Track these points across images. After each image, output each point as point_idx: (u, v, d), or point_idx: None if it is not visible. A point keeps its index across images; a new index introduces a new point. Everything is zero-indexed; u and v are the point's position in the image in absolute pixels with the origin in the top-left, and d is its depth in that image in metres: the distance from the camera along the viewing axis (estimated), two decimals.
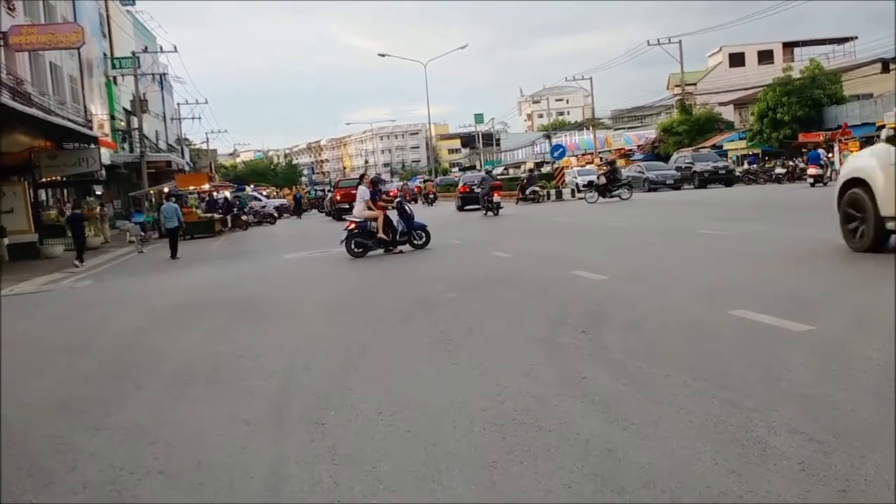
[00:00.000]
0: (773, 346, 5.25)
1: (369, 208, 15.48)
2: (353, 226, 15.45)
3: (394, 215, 15.69)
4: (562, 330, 6.42)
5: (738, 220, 16.38)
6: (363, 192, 15.81)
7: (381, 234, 15.23)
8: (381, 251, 15.38)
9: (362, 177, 17.57)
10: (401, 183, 66.24)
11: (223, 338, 7.79)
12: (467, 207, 34.57)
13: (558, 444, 3.78)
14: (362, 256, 15.12)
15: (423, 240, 15.68)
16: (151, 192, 38.07)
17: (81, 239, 21.52)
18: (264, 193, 59.81)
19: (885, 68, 34.35)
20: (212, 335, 8.03)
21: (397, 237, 15.42)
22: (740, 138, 50.73)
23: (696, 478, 3.25)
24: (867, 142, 35.20)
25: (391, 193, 21.17)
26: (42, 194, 30.59)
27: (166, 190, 33.90)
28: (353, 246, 15.29)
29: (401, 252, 15.33)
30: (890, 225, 8.98)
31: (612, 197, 30.90)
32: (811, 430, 3.66)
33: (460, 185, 37.25)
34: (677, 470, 3.34)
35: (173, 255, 20.90)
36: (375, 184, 16.75)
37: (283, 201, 55.65)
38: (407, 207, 16.03)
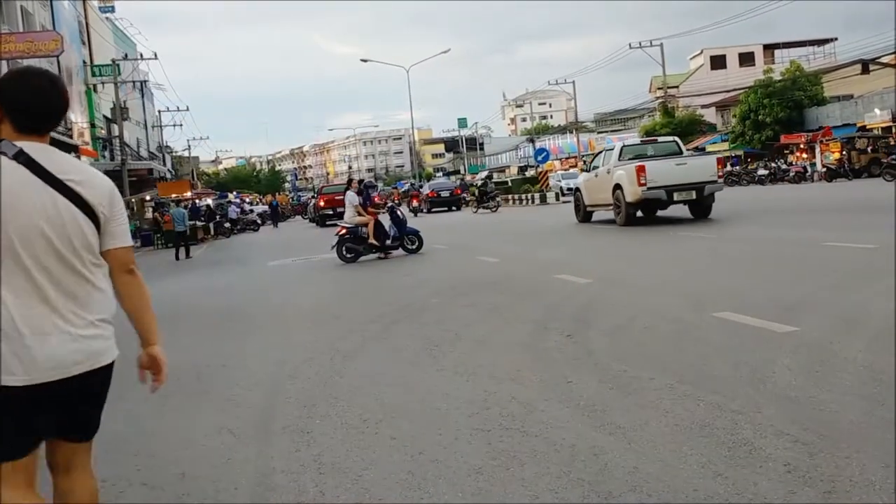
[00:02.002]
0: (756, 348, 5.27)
1: (359, 214, 15.44)
2: (344, 231, 15.42)
3: (386, 220, 15.64)
4: (547, 334, 6.42)
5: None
6: (352, 197, 15.76)
7: (371, 240, 15.19)
8: (374, 256, 15.31)
9: (349, 182, 17.48)
10: (381, 188, 65.92)
11: (207, 347, 7.73)
12: (434, 210, 41.54)
13: (544, 450, 3.77)
14: (353, 262, 15.07)
15: (416, 244, 15.61)
16: (133, 200, 37.83)
17: None
18: (247, 200, 59.24)
19: (865, 69, 34.69)
20: (195, 344, 7.96)
21: (389, 242, 15.37)
22: (723, 140, 51.08)
23: (683, 481, 3.25)
24: (848, 143, 35.64)
25: (376, 199, 21.03)
26: None
27: (189, 196, 34.22)
28: (343, 251, 15.27)
29: (392, 256, 15.24)
30: (589, 209, 19.56)
31: (484, 209, 34.08)
32: (797, 431, 3.67)
33: (428, 190, 43.80)
34: (664, 474, 3.34)
35: (187, 255, 23.31)
36: (365, 189, 16.64)
37: (265, 208, 53.01)
38: (399, 212, 15.97)
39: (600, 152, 19.72)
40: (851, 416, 3.83)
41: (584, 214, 19.97)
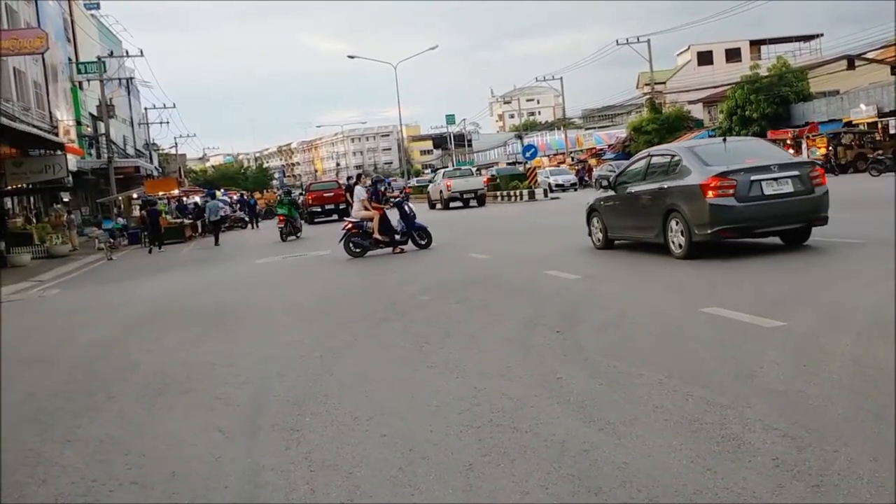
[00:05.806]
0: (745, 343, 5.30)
1: (366, 208, 15.35)
2: (350, 226, 15.36)
3: (395, 216, 15.53)
4: (537, 331, 6.43)
5: None
6: (359, 192, 15.69)
7: (376, 235, 15.10)
8: (384, 251, 15.18)
9: (359, 177, 17.39)
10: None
11: (196, 346, 7.70)
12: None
13: (535, 446, 3.78)
14: (361, 256, 15.01)
15: (426, 240, 15.49)
16: (120, 198, 37.64)
17: (159, 230, 27.35)
18: (234, 198, 58.75)
19: (851, 65, 34.80)
20: (184, 343, 7.94)
21: (396, 237, 15.26)
22: (710, 136, 51.25)
23: (673, 476, 3.27)
24: (834, 138, 35.81)
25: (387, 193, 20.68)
26: (7, 202, 30.09)
27: (176, 194, 34.02)
28: (351, 246, 15.21)
29: (403, 251, 15.11)
30: (433, 202, 39.31)
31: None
32: (785, 426, 3.70)
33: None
34: (653, 468, 3.36)
35: (216, 242, 26.22)
36: (374, 184, 16.56)
37: (223, 207, 47.26)
38: (407, 208, 15.81)
39: (438, 170, 43.02)
40: (839, 409, 3.86)
41: (430, 205, 38.57)
